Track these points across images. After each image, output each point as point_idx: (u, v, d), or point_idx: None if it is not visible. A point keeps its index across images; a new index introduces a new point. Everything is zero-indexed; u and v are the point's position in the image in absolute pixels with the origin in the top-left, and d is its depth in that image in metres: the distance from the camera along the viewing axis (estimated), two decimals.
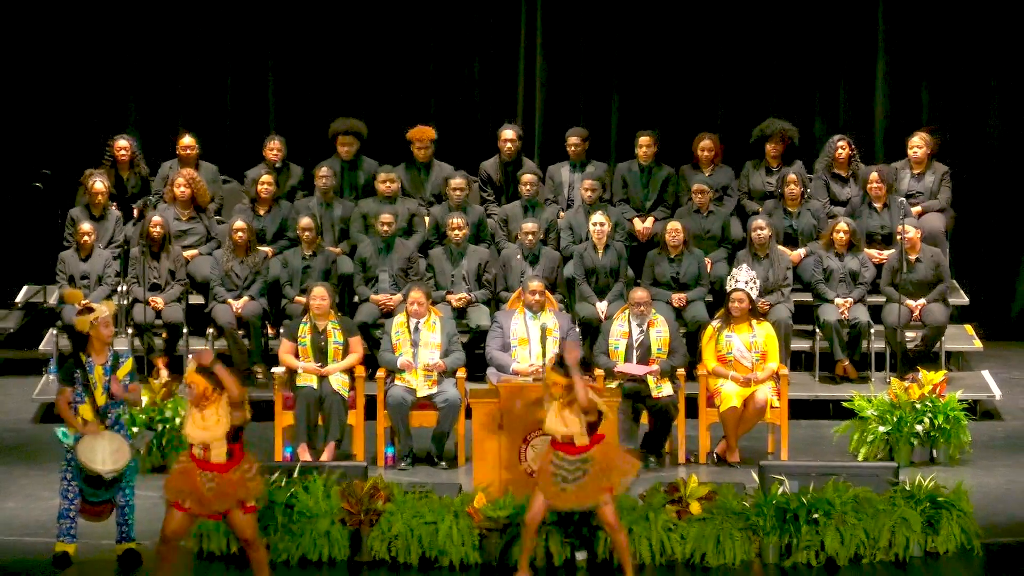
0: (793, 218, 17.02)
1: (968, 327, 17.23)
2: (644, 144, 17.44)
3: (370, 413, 15.14)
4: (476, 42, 18.81)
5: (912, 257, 16.49)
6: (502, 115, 18.35)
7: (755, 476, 13.67)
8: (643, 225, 17.14)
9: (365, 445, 14.98)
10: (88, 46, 18.53)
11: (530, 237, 16.33)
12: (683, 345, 15.36)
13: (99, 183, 16.98)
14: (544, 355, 14.79)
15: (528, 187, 16.93)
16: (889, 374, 15.94)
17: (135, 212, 17.28)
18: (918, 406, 14.82)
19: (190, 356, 16.59)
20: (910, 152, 17.42)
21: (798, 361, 16.52)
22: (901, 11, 18.59)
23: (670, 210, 17.15)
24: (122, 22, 18.49)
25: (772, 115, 17.91)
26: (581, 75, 18.78)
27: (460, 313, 16.10)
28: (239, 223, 16.51)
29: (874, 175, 17.16)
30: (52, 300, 16.86)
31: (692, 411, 15.18)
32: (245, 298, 16.34)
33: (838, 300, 16.41)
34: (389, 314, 15.78)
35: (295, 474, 13.23)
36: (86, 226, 16.67)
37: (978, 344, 17.09)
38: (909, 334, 16.43)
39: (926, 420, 14.79)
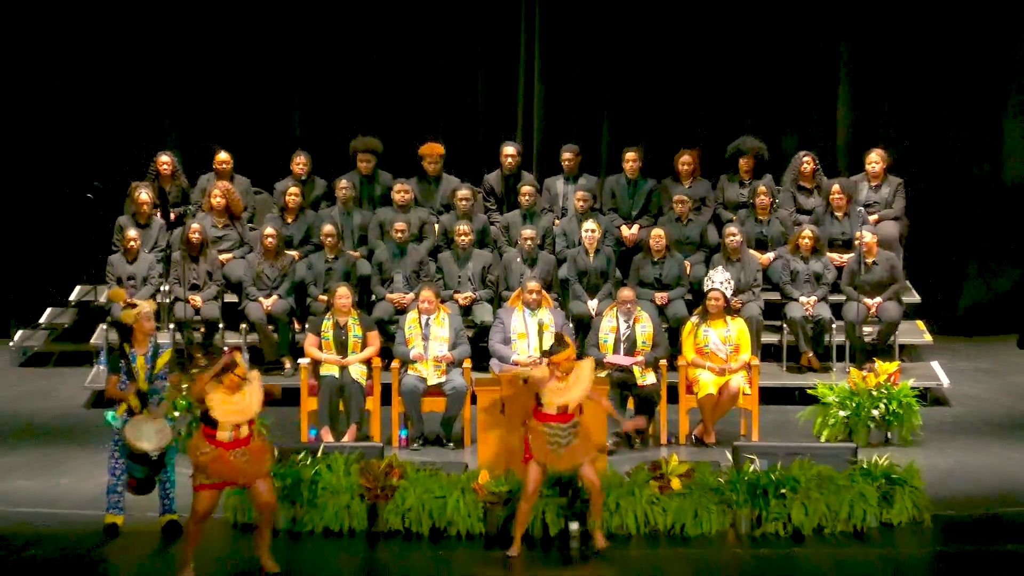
0: (763, 225, 17.05)
1: (919, 323, 17.24)
2: (630, 159, 17.46)
3: (385, 399, 15.15)
4: (479, 68, 18.81)
5: (869, 260, 16.50)
6: (503, 133, 18.36)
7: (729, 455, 13.71)
8: (629, 232, 17.17)
9: (381, 428, 14.99)
10: (134, 71, 18.53)
11: (529, 242, 16.35)
12: (665, 339, 15.38)
13: (144, 194, 17.02)
14: (540, 347, 14.82)
15: (527, 198, 16.95)
16: (848, 365, 15.95)
17: (172, 217, 17.26)
18: (874, 393, 14.83)
19: (225, 348, 16.65)
20: (868, 167, 17.44)
21: (767, 353, 16.54)
22: (861, 41, 18.59)
23: (654, 218, 17.17)
24: (164, 50, 18.50)
25: (745, 133, 17.94)
26: (574, 97, 18.77)
27: (466, 310, 16.13)
28: (269, 230, 16.54)
29: (836, 187, 17.19)
30: (102, 299, 16.86)
31: (673, 397, 15.19)
32: (274, 297, 16.37)
33: (803, 299, 16.44)
34: (403, 311, 15.81)
35: (319, 454, 13.26)
36: (132, 233, 16.71)
37: (928, 338, 17.10)
38: (866, 329, 16.44)
39: (882, 406, 14.80)
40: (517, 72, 18.67)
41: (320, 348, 15.07)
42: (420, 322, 15.10)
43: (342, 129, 18.12)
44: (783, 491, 12.99)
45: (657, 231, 16.46)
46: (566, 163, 17.46)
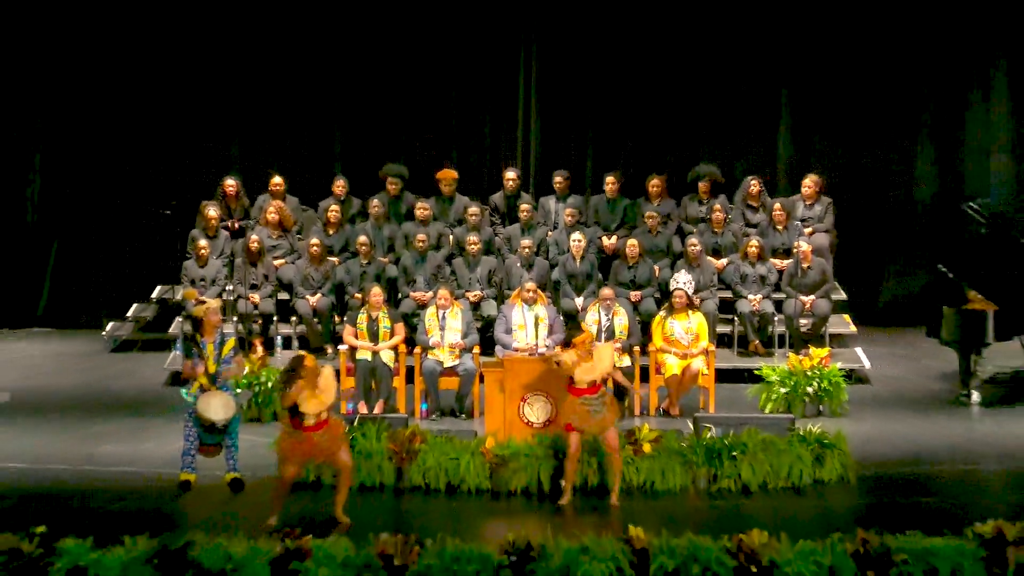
0: (718, 237, 17.06)
1: (846, 316, 17.27)
2: (610, 182, 17.47)
3: (409, 379, 15.18)
4: (487, 109, 18.81)
5: (805, 265, 16.52)
6: (505, 161, 18.38)
7: (690, 425, 13.72)
8: (609, 242, 17.18)
9: (406, 402, 15.02)
10: (205, 109, 18.54)
11: (526, 250, 16.37)
12: (638, 329, 15.40)
13: (212, 211, 17.05)
14: (537, 337, 14.83)
15: (525, 214, 16.97)
16: (788, 350, 15.98)
17: (235, 229, 17.28)
18: (809, 374, 14.86)
19: (278, 338, 16.68)
20: (804, 188, 17.46)
21: (722, 341, 16.56)
22: (798, 87, 18.60)
23: (629, 231, 17.17)
24: (230, 91, 18.50)
25: (703, 162, 17.96)
26: (564, 132, 18.79)
27: (475, 306, 16.14)
28: (314, 240, 16.57)
29: (777, 205, 17.21)
30: (177, 297, 16.90)
31: (644, 377, 15.21)
32: (318, 295, 16.39)
33: (751, 297, 16.46)
34: (423, 306, 15.82)
35: (355, 423, 13.28)
36: (203, 243, 16.74)
37: (853, 329, 17.13)
38: (803, 321, 16.46)
39: (815, 384, 14.82)
40: (517, 112, 18.69)
41: (356, 337, 15.09)
42: (438, 316, 15.12)
43: (374, 158, 18.14)
44: (734, 454, 13.00)
45: (632, 241, 16.48)
46: (557, 185, 17.47)
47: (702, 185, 17.50)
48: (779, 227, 17.05)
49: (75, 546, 11.06)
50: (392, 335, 15.11)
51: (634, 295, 16.20)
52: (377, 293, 15.19)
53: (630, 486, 12.79)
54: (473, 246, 16.42)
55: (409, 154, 18.29)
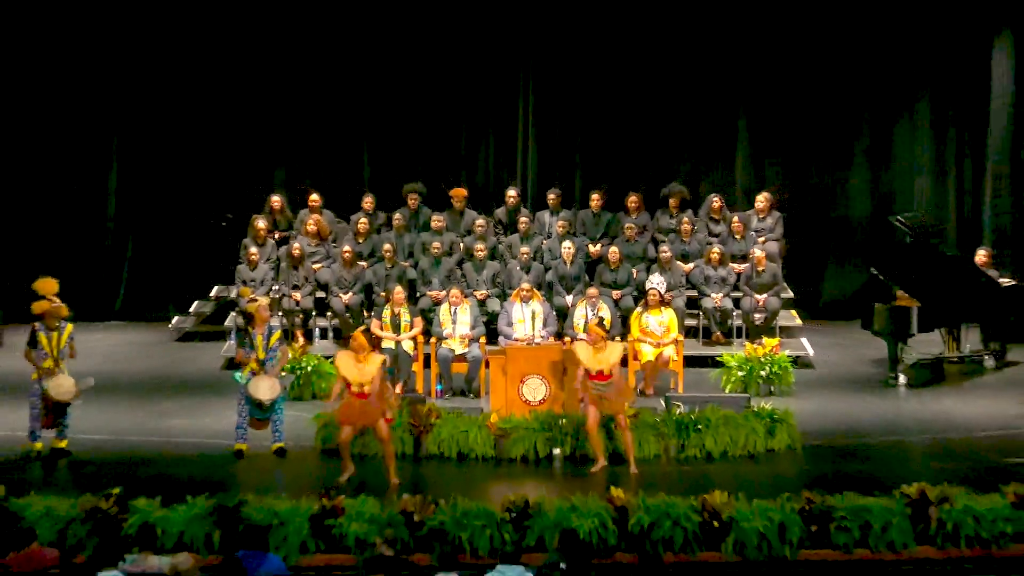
0: (686, 245, 17.03)
1: (793, 312, 17.24)
2: (595, 199, 17.44)
3: (426, 364, 15.13)
4: (492, 136, 18.79)
5: (759, 269, 16.51)
6: (507, 180, 18.37)
7: (663, 403, 13.72)
8: (594, 249, 17.14)
9: (423, 384, 14.99)
10: (257, 139, 18.51)
11: (525, 256, 16.34)
12: (619, 322, 15.38)
13: (261, 223, 17.02)
14: (533, 329, 14.82)
15: (524, 225, 16.93)
16: (744, 340, 15.95)
17: (280, 238, 17.28)
18: (762, 359, 14.85)
19: (316, 330, 16.67)
20: (758, 204, 17.42)
21: (689, 332, 16.50)
22: (754, 117, 18.57)
23: (611, 240, 17.15)
24: (276, 121, 18.48)
25: (674, 181, 17.94)
26: (557, 155, 18.74)
27: (481, 303, 16.11)
28: (347, 247, 16.55)
29: (735, 219, 17.19)
30: (232, 295, 16.87)
31: (624, 363, 15.12)
32: (350, 294, 16.37)
33: (713, 295, 16.44)
34: (438, 303, 15.80)
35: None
36: (253, 250, 16.71)
37: (799, 322, 17.11)
38: (757, 316, 16.43)
39: (767, 368, 14.81)
40: (516, 140, 18.65)
41: (381, 328, 15.07)
42: (450, 311, 15.11)
43: (397, 178, 18.11)
44: (699, 427, 13.01)
45: (613, 248, 16.45)
46: (551, 201, 17.44)
47: (672, 201, 17.48)
48: (737, 237, 17.03)
49: (145, 505, 11.08)
50: (412, 327, 15.10)
51: (615, 294, 16.18)
52: (399, 292, 15.18)
53: (615, 453, 12.79)
54: (480, 252, 16.40)
55: (426, 175, 18.25)
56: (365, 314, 16.35)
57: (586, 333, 12.91)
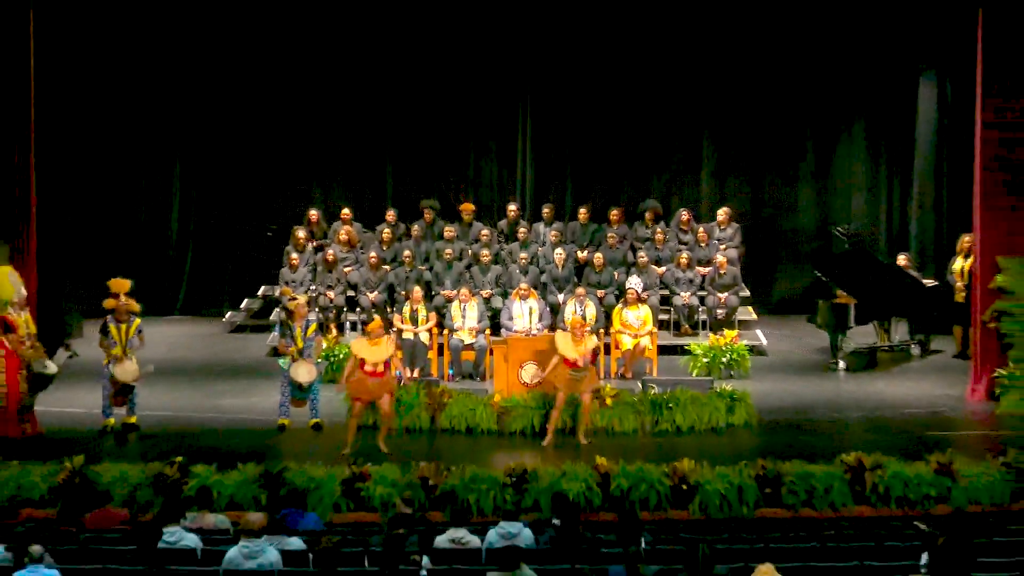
0: (659, 251, 16.95)
1: (749, 308, 17.12)
2: (583, 212, 17.38)
3: (440, 352, 15.08)
4: (494, 158, 18.73)
5: (721, 272, 16.44)
6: (509, 195, 18.33)
7: (640, 385, 13.69)
8: (582, 255, 17.08)
9: (437, 369, 14.95)
10: (298, 162, 18.42)
11: (523, 261, 16.29)
12: (603, 317, 15.33)
13: (301, 233, 16.97)
14: (530, 323, 14.80)
15: (522, 235, 16.87)
16: (709, 332, 15.87)
17: (316, 246, 17.25)
18: (723, 348, 14.79)
19: (347, 324, 16.63)
20: (719, 216, 17.33)
21: (662, 325, 16.38)
22: (718, 139, 18.46)
23: (596, 247, 17.10)
24: (313, 145, 18.43)
25: (649, 197, 17.92)
26: (551, 175, 18.65)
27: (487, 301, 16.05)
28: (373, 254, 16.49)
29: (701, 229, 17.11)
30: (276, 293, 16.82)
31: (607, 351, 15.11)
32: (376, 293, 16.32)
33: (683, 294, 16.39)
34: (450, 301, 15.74)
35: (401, 384, 13.26)
36: (294, 255, 16.67)
37: (755, 316, 17.00)
38: (719, 311, 16.36)
39: (727, 355, 14.75)
40: (516, 162, 18.56)
41: (402, 322, 15.04)
42: (460, 307, 15.06)
43: (415, 195, 18.05)
44: (671, 405, 13.02)
45: (598, 255, 16.39)
46: (545, 214, 17.37)
47: (648, 215, 17.42)
48: (702, 244, 16.97)
49: (203, 471, 11.09)
50: (427, 321, 15.05)
51: (600, 292, 16.13)
52: (417, 291, 15.15)
53: (597, 428, 12.78)
54: (485, 258, 16.35)
55: (440, 192, 18.23)
56: (388, 310, 16.32)
57: (569, 326, 12.83)
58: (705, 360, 14.70)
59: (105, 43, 17.46)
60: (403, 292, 15.94)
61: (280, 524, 9.22)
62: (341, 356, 14.62)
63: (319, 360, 13.59)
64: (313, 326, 13.17)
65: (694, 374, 14.60)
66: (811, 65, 17.94)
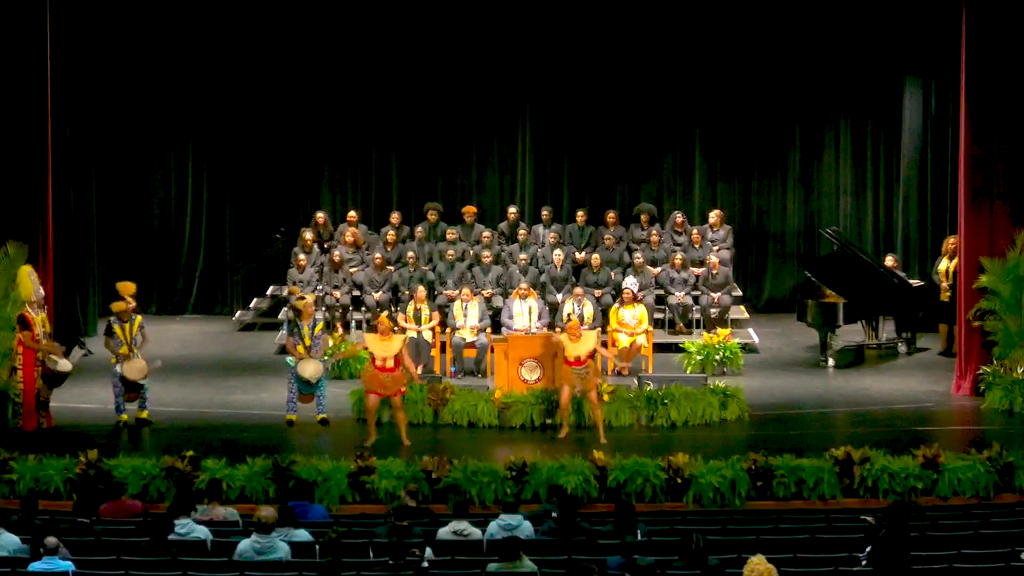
0: (654, 252, 16.90)
1: (742, 307, 17.11)
2: (580, 215, 17.33)
3: (442, 350, 15.04)
4: (496, 164, 18.69)
5: (714, 272, 16.41)
6: (509, 199, 18.29)
7: (636, 381, 13.66)
8: (580, 255, 17.05)
9: (440, 365, 14.91)
10: (305, 168, 18.38)
11: (523, 262, 16.26)
12: (600, 316, 15.29)
13: (308, 234, 16.91)
14: (530, 321, 14.78)
15: (522, 236, 16.83)
16: (702, 330, 15.85)
17: (324, 247, 17.21)
18: (716, 346, 14.74)
19: (352, 322, 16.60)
20: (711, 219, 17.31)
21: (658, 324, 16.32)
22: (711, 146, 18.42)
23: (593, 248, 17.06)
24: (320, 155, 18.38)
25: (644, 201, 17.90)
26: (549, 180, 18.61)
27: (488, 300, 16.01)
28: (377, 254, 16.45)
29: (695, 231, 17.08)
30: (284, 293, 16.78)
31: (604, 346, 15.09)
32: (381, 292, 16.28)
33: (677, 293, 16.34)
34: (452, 300, 15.71)
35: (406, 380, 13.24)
36: (302, 256, 16.63)
37: (747, 315, 17.00)
38: (712, 310, 16.33)
39: (720, 352, 14.69)
40: (516, 167, 18.52)
41: (406, 321, 15.00)
42: (462, 306, 15.02)
43: (419, 198, 18.05)
44: (666, 401, 12.98)
45: (595, 256, 16.36)
46: (544, 217, 17.32)
47: (643, 217, 17.38)
48: (696, 246, 16.93)
49: (214, 464, 11.06)
50: (431, 320, 15.01)
51: (597, 292, 16.08)
52: (421, 291, 15.11)
53: (594, 423, 12.74)
54: (486, 258, 16.31)
55: (443, 196, 18.21)
56: (392, 309, 16.29)
57: (566, 327, 12.79)
58: (699, 357, 14.65)
59: (121, 46, 17.43)
60: (407, 292, 15.91)
61: (289, 515, 9.19)
62: (344, 352, 14.59)
63: (325, 357, 13.56)
64: (320, 325, 13.15)
65: (688, 371, 14.55)
66: (799, 72, 17.93)
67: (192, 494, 10.45)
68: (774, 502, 10.87)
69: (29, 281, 12.94)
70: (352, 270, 16.79)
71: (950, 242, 15.50)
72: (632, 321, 14.95)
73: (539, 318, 15.00)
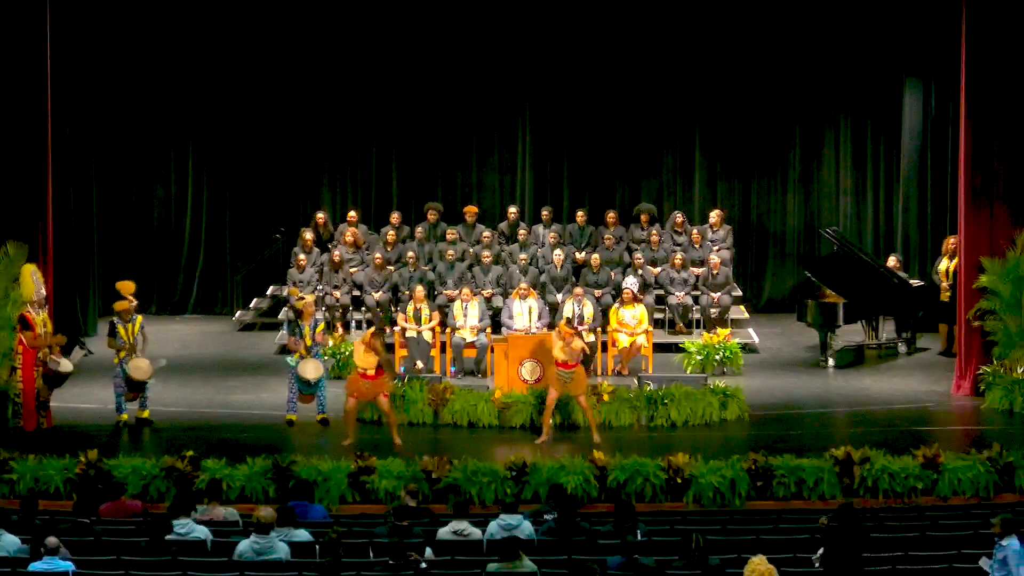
0: (654, 252, 16.88)
1: (742, 307, 17.10)
2: (580, 215, 17.32)
3: (442, 350, 15.01)
4: (496, 165, 18.68)
5: (714, 272, 16.39)
6: (509, 199, 18.28)
7: (636, 381, 13.65)
8: (579, 255, 17.04)
9: (440, 366, 14.89)
10: (306, 168, 18.36)
11: (523, 262, 16.25)
12: (600, 315, 15.27)
13: (308, 234, 16.90)
14: (530, 321, 14.77)
15: (522, 236, 16.82)
16: (702, 330, 15.83)
17: (324, 247, 17.21)
18: (716, 345, 14.72)
19: (352, 322, 16.59)
20: (711, 219, 17.30)
21: (658, 324, 16.30)
22: (711, 147, 18.40)
23: (593, 248, 17.05)
24: (321, 155, 18.36)
25: (644, 201, 17.88)
26: (549, 181, 18.58)
27: (488, 300, 15.99)
28: (377, 254, 16.45)
29: (695, 231, 17.07)
30: (284, 293, 16.78)
31: (604, 348, 15.06)
32: (381, 292, 16.28)
33: (677, 293, 16.32)
34: (452, 300, 15.70)
35: (406, 379, 13.23)
36: (302, 257, 16.62)
37: (747, 315, 16.98)
38: (712, 310, 16.31)
39: (720, 352, 14.67)
40: (516, 167, 18.51)
41: (406, 321, 14.99)
42: (462, 306, 15.01)
43: (419, 198, 18.03)
44: (666, 401, 12.97)
45: (595, 256, 16.34)
46: (544, 217, 17.31)
47: (643, 217, 17.36)
48: (696, 246, 16.92)
49: (214, 464, 11.05)
50: (431, 320, 14.99)
51: (597, 292, 16.07)
52: (420, 291, 15.10)
53: (597, 422, 12.71)
54: (486, 258, 16.30)
55: (443, 195, 18.20)
56: (393, 309, 16.28)
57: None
58: (699, 357, 14.64)
59: (121, 45, 17.41)
60: (407, 292, 15.90)
61: (289, 515, 9.18)
62: (347, 353, 14.56)
63: (326, 357, 13.53)
64: (321, 325, 13.15)
65: (688, 371, 14.53)
66: (799, 72, 17.92)
67: (192, 494, 10.44)
68: (774, 502, 10.86)
69: (31, 281, 12.94)
70: (352, 270, 16.77)
71: (950, 242, 15.50)
72: (632, 321, 14.94)
73: (539, 318, 14.99)
